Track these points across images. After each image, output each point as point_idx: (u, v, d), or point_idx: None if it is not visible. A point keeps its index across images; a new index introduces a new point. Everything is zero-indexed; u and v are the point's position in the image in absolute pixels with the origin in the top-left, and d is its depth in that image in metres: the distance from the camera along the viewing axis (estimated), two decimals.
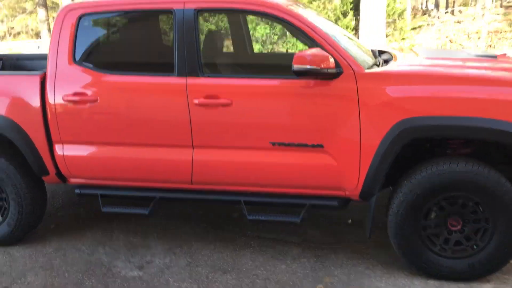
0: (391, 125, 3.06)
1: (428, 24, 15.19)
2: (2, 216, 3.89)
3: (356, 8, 11.44)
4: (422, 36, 14.24)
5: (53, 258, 3.75)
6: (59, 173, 3.76)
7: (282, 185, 3.42)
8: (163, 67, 3.49)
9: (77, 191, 3.78)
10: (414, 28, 13.57)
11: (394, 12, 12.62)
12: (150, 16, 3.82)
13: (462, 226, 3.17)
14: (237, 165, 3.41)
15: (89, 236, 4.10)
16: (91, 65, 3.52)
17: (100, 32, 3.92)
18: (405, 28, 13.17)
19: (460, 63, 3.47)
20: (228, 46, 4.64)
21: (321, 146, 3.23)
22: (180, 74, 3.36)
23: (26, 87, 3.62)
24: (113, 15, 3.67)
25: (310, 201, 3.41)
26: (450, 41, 11.36)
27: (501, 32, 11.83)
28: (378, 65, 3.42)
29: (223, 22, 4.31)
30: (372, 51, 3.93)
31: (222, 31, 4.91)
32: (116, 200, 3.88)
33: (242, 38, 4.64)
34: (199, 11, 3.39)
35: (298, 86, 3.21)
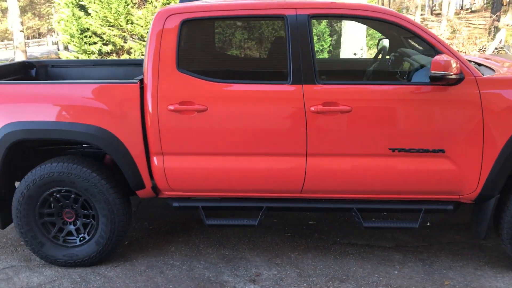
0: None
1: None
2: (88, 235, 3.64)
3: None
4: None
5: (153, 276, 3.54)
6: (154, 186, 3.57)
7: (398, 192, 3.43)
8: (275, 75, 3.40)
9: (175, 204, 3.60)
10: None
11: None
12: (259, 22, 3.71)
13: None
14: (353, 173, 3.38)
15: (174, 250, 3.92)
16: (198, 73, 3.36)
17: (206, 38, 3.75)
18: None
19: None
20: None
21: (442, 151, 3.28)
22: (295, 81, 3.30)
23: (123, 96, 3.40)
24: (219, 20, 3.52)
25: (425, 206, 3.46)
26: None
27: (470, 38, 12.57)
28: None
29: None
30: None
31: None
32: (211, 212, 3.73)
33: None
34: (312, 17, 3.35)
35: (418, 92, 3.25)
